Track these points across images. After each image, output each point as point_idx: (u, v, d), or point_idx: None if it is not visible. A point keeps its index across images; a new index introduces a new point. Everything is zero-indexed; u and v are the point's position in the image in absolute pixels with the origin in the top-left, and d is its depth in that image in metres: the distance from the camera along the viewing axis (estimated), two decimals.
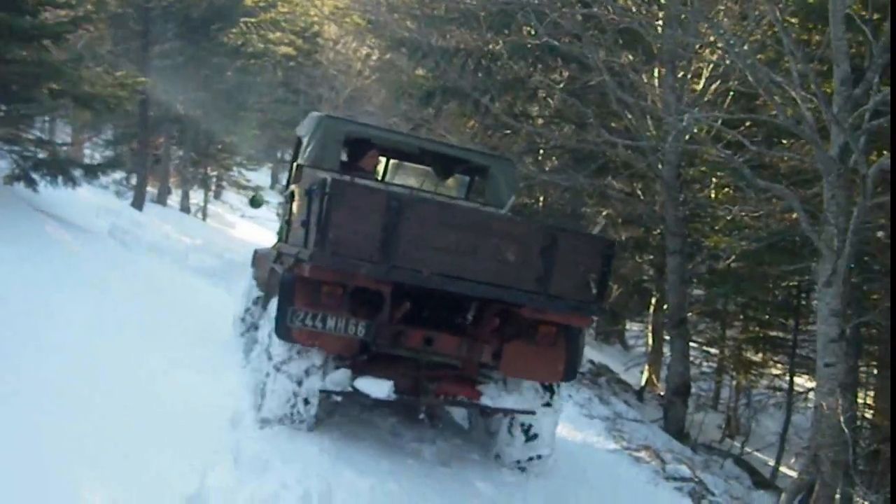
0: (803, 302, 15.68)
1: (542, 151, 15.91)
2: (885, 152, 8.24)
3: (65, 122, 24.45)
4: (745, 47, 9.29)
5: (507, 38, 13.39)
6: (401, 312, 6.78)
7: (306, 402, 6.65)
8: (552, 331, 6.84)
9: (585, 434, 9.78)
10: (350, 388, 6.74)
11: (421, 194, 8.15)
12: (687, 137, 10.84)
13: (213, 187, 32.82)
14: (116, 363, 7.28)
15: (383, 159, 9.87)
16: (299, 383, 6.61)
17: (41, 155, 12.55)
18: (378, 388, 6.64)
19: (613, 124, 13.64)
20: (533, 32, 11.67)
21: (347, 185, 6.41)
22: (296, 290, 6.51)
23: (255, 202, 9.45)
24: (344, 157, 8.70)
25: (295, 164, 8.61)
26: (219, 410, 6.81)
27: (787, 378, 16.08)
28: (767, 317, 16.95)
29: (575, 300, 6.59)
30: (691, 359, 19.20)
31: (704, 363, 19.24)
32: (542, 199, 17.17)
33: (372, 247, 6.10)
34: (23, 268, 8.92)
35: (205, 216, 29.90)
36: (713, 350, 19.15)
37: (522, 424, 7.23)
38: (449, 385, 7.14)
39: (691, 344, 20.07)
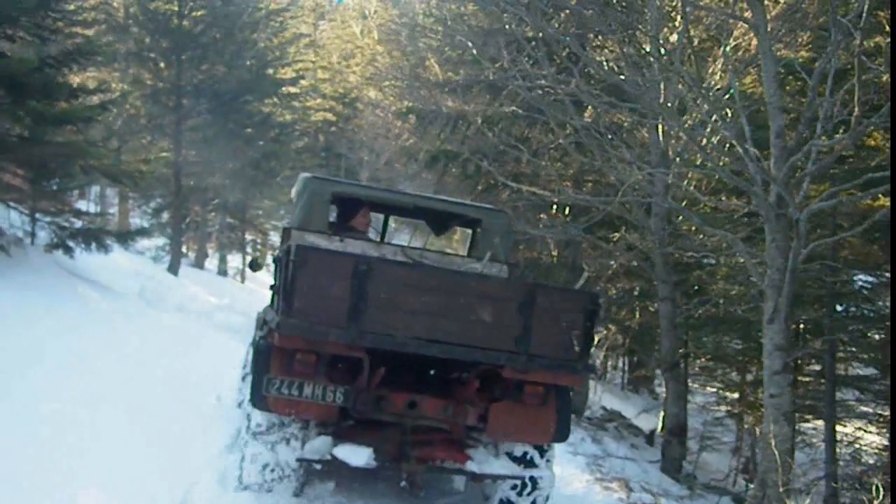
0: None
1: (553, 208, 16.59)
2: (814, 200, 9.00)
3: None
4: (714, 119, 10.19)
5: (498, 108, 14.30)
6: (379, 377, 6.56)
7: (283, 471, 6.56)
8: (539, 390, 6.61)
9: (564, 468, 9.67)
10: (329, 457, 6.58)
11: (389, 256, 7.72)
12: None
13: (252, 251, 33.96)
14: (135, 388, 8.45)
15: (381, 218, 9.80)
16: (276, 452, 6.53)
17: (77, 225, 13.72)
18: (357, 455, 6.49)
19: (607, 181, 14.40)
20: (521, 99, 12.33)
21: (312, 251, 6.34)
22: (271, 358, 6.39)
23: (254, 265, 9.51)
24: (334, 219, 8.63)
25: (283, 228, 8.68)
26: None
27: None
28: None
29: (557, 359, 6.36)
30: (707, 402, 19.97)
31: (719, 406, 19.75)
32: (555, 253, 18.00)
33: (340, 312, 5.98)
34: (51, 322, 10.01)
35: (243, 279, 31.04)
36: (718, 391, 19.51)
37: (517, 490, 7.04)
38: (435, 450, 6.96)
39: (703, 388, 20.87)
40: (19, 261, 11.79)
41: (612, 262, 16.38)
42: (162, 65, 23.83)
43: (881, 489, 6.93)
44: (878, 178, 8.46)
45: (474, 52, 13.79)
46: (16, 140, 12.16)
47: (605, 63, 11.76)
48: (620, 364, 28.47)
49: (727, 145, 9.82)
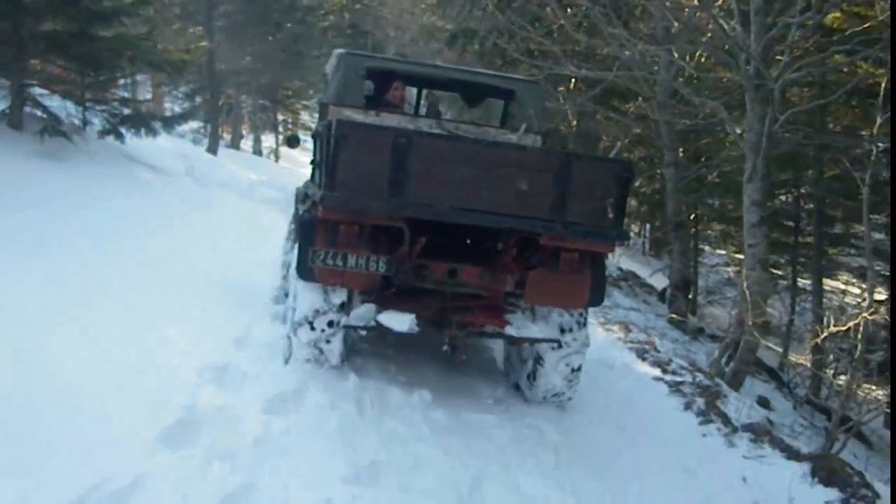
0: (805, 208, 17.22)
1: (571, 81, 17.48)
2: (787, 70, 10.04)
3: (146, 81, 26.75)
4: None
5: None
6: (420, 247, 6.64)
7: (330, 337, 6.79)
8: (575, 257, 6.62)
9: None
10: (374, 323, 6.75)
11: (425, 129, 7.81)
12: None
13: (284, 131, 34.99)
14: (198, 251, 9.87)
15: (415, 91, 9.72)
16: (323, 330, 6.74)
17: (126, 111, 14.95)
18: (400, 321, 6.66)
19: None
20: None
21: (352, 126, 6.36)
22: (315, 231, 6.51)
23: (292, 141, 9.83)
24: (369, 92, 8.54)
25: (319, 103, 8.73)
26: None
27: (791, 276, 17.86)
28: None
29: (592, 227, 6.35)
30: (718, 263, 21.16)
31: (727, 266, 20.97)
32: (573, 123, 19.04)
33: (381, 184, 6.02)
34: (120, 202, 11.41)
35: (277, 158, 32.28)
36: (727, 253, 20.61)
37: (550, 348, 7.17)
38: (474, 315, 7.08)
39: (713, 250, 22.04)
40: (80, 147, 13.08)
41: (626, 132, 17.43)
42: None
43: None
44: (839, 50, 9.53)
45: None
46: (67, 36, 13.31)
47: None
48: (641, 230, 29.83)
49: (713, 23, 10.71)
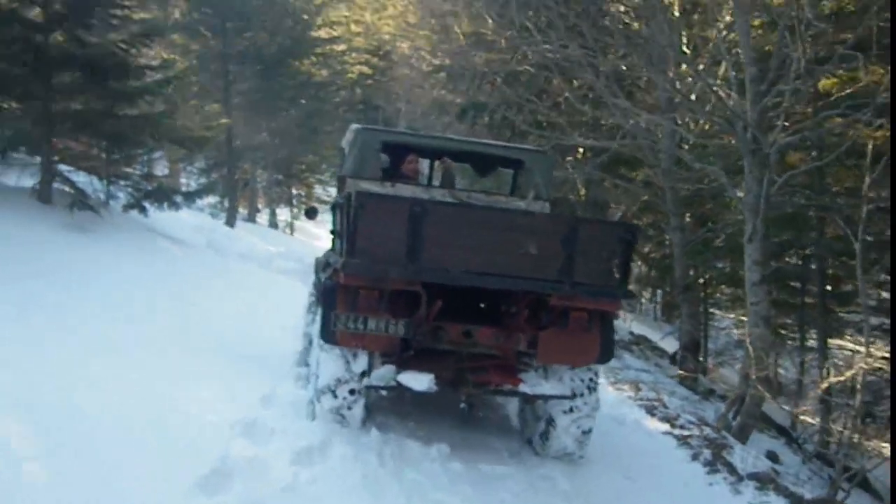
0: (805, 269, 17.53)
1: (580, 151, 17.95)
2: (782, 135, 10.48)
3: (161, 156, 27.46)
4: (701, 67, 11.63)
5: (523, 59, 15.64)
6: (436, 310, 6.92)
7: (352, 404, 7.05)
8: (584, 316, 6.91)
9: None
10: (394, 383, 7.00)
11: (440, 198, 8.10)
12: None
13: (299, 204, 35.51)
14: (223, 317, 10.36)
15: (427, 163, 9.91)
16: (345, 398, 7.02)
17: (149, 187, 15.51)
18: (419, 381, 6.94)
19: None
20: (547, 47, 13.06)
21: (370, 197, 6.72)
22: (337, 296, 6.81)
23: (310, 213, 10.16)
24: (385, 165, 8.88)
25: (338, 177, 9.21)
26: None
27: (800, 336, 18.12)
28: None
29: (599, 286, 6.73)
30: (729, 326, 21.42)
31: (736, 329, 21.22)
32: (582, 192, 19.54)
33: (398, 251, 6.35)
34: (145, 271, 11.90)
35: (292, 231, 32.78)
36: (736, 316, 20.84)
37: (562, 412, 7.39)
38: (490, 375, 7.33)
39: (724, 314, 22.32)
40: (106, 220, 13.65)
41: (633, 199, 17.85)
42: (208, 35, 25.58)
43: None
44: (830, 113, 10.02)
45: (490, 19, 15.11)
46: (94, 115, 13.95)
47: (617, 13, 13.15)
48: (653, 296, 30.15)
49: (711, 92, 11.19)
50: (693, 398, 13.30)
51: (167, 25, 21.15)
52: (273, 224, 32.31)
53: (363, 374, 7.08)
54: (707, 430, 9.63)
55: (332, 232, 9.04)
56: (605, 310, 7.09)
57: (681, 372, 14.65)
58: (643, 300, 29.89)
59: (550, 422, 7.47)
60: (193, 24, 25.52)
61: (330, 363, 7.05)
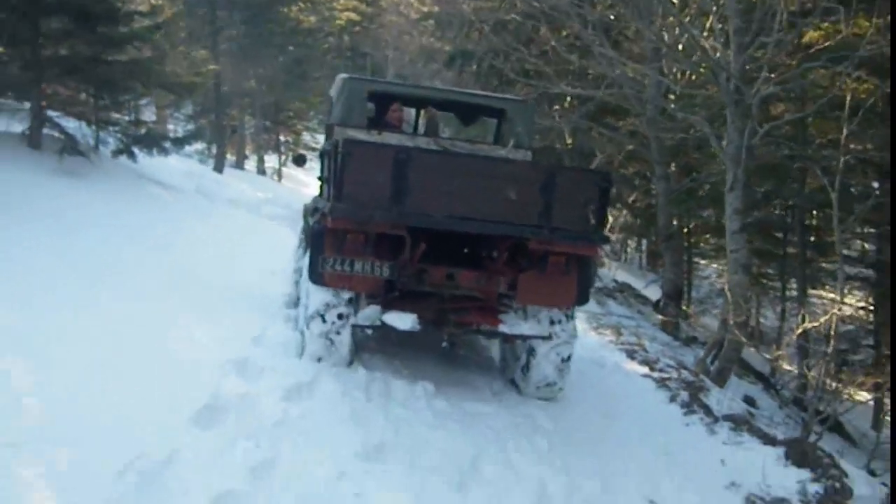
0: (788, 220, 17.79)
1: (565, 100, 18.03)
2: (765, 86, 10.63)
3: (149, 102, 27.51)
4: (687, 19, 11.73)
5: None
6: (420, 253, 7.19)
7: (340, 328, 7.33)
8: (561, 260, 7.15)
9: None
10: (379, 322, 7.35)
11: (424, 146, 8.27)
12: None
13: (287, 151, 35.63)
14: (214, 262, 10.54)
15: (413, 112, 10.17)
16: (333, 322, 7.31)
17: (138, 132, 15.60)
18: (403, 320, 7.25)
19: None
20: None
21: (357, 144, 7.00)
22: (324, 240, 7.10)
23: (299, 160, 10.41)
24: (371, 114, 9.04)
25: (326, 124, 9.43)
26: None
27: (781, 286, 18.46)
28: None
29: (576, 231, 6.94)
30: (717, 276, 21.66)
31: (720, 278, 21.51)
32: (569, 141, 19.65)
33: (384, 196, 6.61)
34: (135, 215, 12.08)
35: (280, 177, 32.88)
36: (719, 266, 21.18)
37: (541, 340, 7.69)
38: (471, 315, 7.63)
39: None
40: (96, 165, 13.78)
41: (619, 148, 18.00)
42: None
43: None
44: (812, 66, 10.19)
45: None
46: (83, 60, 14.01)
47: None
48: (638, 245, 30.41)
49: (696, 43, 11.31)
50: (674, 344, 13.56)
51: None
52: (261, 171, 32.38)
53: (350, 301, 7.37)
54: (685, 374, 9.90)
55: (320, 178, 9.26)
56: (582, 254, 7.32)
57: (662, 317, 14.92)
58: (628, 249, 30.18)
59: (531, 352, 7.79)
60: None
61: (319, 291, 7.32)
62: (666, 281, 16.16)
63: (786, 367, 12.90)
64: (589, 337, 11.18)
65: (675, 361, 10.65)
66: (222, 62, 25.49)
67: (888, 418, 13.71)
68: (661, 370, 9.94)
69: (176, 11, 22.97)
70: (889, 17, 9.74)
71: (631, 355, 10.57)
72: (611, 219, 21.45)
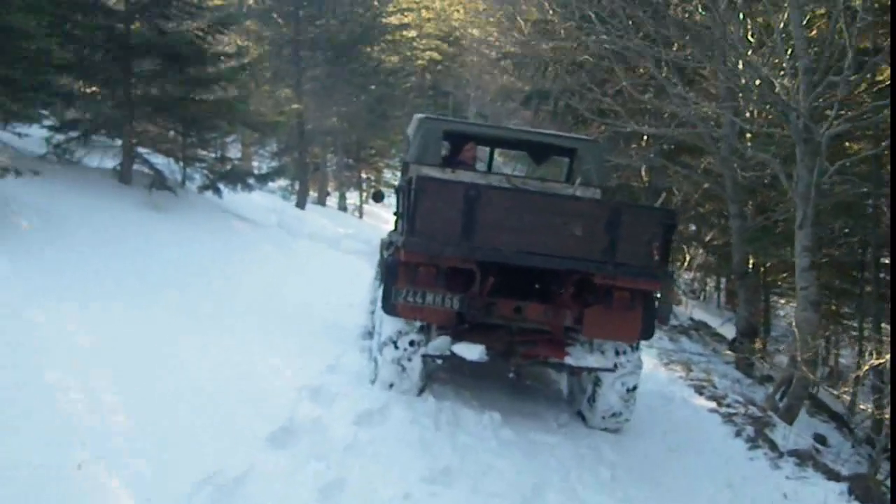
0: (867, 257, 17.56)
1: (643, 138, 18.10)
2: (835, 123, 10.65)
3: (235, 139, 28.32)
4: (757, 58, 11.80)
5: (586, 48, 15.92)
6: (489, 286, 7.47)
7: (412, 355, 7.59)
8: (626, 295, 7.33)
9: None
10: (448, 353, 7.56)
11: (494, 182, 8.68)
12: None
13: (368, 188, 36.14)
14: (294, 294, 10.95)
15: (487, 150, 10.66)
16: (405, 348, 7.58)
17: (223, 169, 16.20)
18: (471, 351, 7.47)
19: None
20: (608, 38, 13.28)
21: (430, 181, 7.27)
22: (398, 272, 7.36)
23: (377, 196, 10.70)
24: (446, 152, 9.51)
25: (402, 162, 9.86)
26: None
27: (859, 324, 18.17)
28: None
29: (639, 267, 7.14)
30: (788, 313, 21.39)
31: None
32: (646, 179, 19.73)
33: (455, 231, 6.89)
34: (219, 248, 12.60)
35: (361, 214, 33.47)
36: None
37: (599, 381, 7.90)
38: (538, 347, 7.81)
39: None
40: (182, 199, 14.38)
41: (695, 187, 18.02)
42: (281, 22, 26.30)
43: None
44: (881, 105, 10.22)
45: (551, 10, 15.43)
46: (172, 101, 14.67)
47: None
48: (717, 284, 30.14)
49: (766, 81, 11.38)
50: (746, 381, 13.55)
51: (242, 14, 22.07)
52: (342, 207, 32.99)
53: (422, 329, 7.63)
54: (752, 410, 9.96)
55: (396, 213, 9.63)
56: (646, 289, 7.46)
57: (728, 353, 14.90)
58: (707, 287, 29.97)
59: (596, 382, 7.96)
60: (267, 11, 26.30)
61: (392, 320, 7.59)
62: (740, 319, 16.13)
63: (862, 406, 12.77)
64: (659, 372, 11.32)
65: (743, 398, 10.70)
66: (305, 101, 26.23)
67: None
68: (728, 405, 10.03)
69: (262, 52, 23.78)
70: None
71: (699, 391, 10.67)
72: (688, 257, 21.48)
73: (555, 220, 7.05)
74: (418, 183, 7.00)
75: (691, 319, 20.27)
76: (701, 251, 21.68)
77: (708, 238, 20.46)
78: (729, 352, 15.78)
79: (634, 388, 7.97)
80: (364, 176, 35.36)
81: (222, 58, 15.72)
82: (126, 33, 13.86)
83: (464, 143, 9.39)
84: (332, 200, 33.53)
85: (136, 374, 6.48)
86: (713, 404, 10.06)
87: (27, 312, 7.24)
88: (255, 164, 29.84)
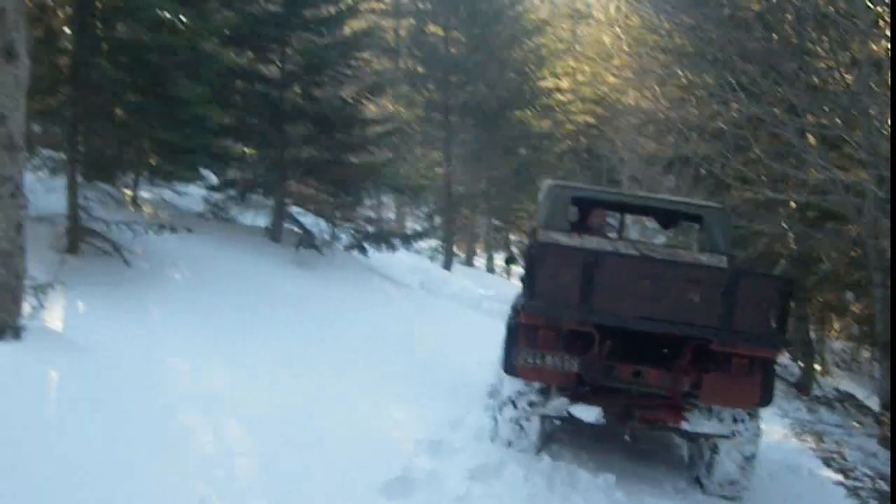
0: None
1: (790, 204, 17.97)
2: None
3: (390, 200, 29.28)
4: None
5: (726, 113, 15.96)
6: (608, 350, 7.53)
7: (530, 415, 7.78)
8: (745, 362, 7.32)
9: (766, 425, 10.67)
10: (566, 413, 7.69)
11: (621, 248, 8.73)
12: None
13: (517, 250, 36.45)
14: (428, 352, 11.51)
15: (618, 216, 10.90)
16: (524, 408, 7.76)
17: (370, 229, 16.90)
18: (589, 413, 7.57)
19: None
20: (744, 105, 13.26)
21: (550, 246, 7.69)
22: (518, 334, 7.55)
23: (510, 260, 11.24)
24: (574, 218, 9.67)
25: (531, 227, 10.32)
26: None
27: None
28: None
29: (756, 334, 7.17)
30: None
31: None
32: (793, 245, 19.44)
33: (573, 295, 7.09)
34: (361, 306, 13.19)
35: (508, 275, 33.82)
36: None
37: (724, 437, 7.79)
38: (656, 412, 7.83)
39: None
40: (327, 257, 15.11)
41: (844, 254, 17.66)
42: (432, 87, 27.22)
43: None
44: None
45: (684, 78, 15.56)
46: (322, 163, 15.51)
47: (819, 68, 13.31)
48: (872, 354, 29.10)
49: None
50: (884, 456, 13.18)
51: (392, 80, 23.04)
52: (490, 268, 33.38)
53: (542, 391, 7.78)
54: (880, 483, 9.77)
55: (522, 277, 9.79)
56: (760, 356, 7.43)
57: (856, 424, 14.52)
58: (858, 358, 29.00)
59: (714, 449, 7.91)
60: (418, 77, 27.24)
61: (512, 381, 7.79)
62: (883, 391, 15.68)
63: None
64: (790, 443, 11.22)
65: (873, 471, 10.49)
66: (454, 164, 26.94)
67: None
68: (855, 479, 9.87)
69: (412, 116, 24.65)
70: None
71: (827, 462, 10.51)
72: (836, 326, 20.93)
73: (672, 285, 7.17)
74: (539, 247, 7.37)
75: (836, 390, 19.69)
76: (849, 320, 21.12)
77: (856, 307, 19.96)
78: (856, 423, 15.37)
79: (753, 456, 7.90)
80: (512, 238, 35.74)
81: (371, 123, 16.48)
82: (280, 99, 14.82)
83: (592, 208, 9.65)
84: (481, 261, 34.02)
85: (260, 422, 6.97)
86: (839, 476, 9.91)
87: (171, 360, 7.88)
88: (409, 224, 30.76)
